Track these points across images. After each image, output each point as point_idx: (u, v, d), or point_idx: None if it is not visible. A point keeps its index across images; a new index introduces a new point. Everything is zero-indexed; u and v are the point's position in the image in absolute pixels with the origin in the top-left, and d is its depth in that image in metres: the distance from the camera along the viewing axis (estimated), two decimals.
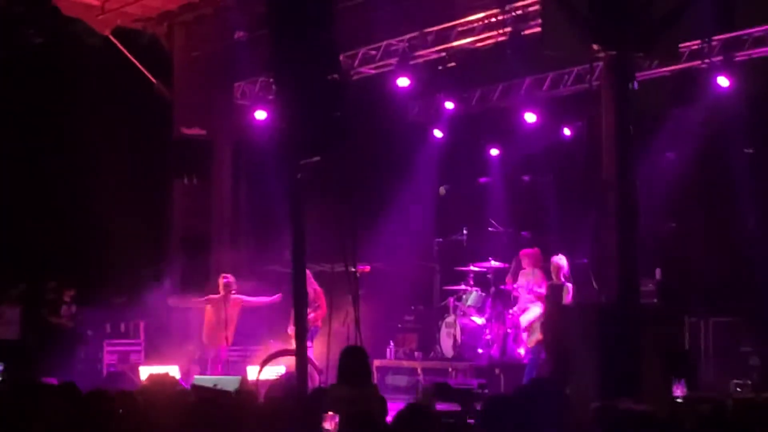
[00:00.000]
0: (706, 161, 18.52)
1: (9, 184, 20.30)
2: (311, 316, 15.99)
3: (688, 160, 18.71)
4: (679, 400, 12.46)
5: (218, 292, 18.10)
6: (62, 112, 21.31)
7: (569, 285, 17.36)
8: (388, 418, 7.74)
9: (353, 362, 9.48)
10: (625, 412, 6.29)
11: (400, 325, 21.27)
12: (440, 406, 13.41)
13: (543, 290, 18.05)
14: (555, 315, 16.19)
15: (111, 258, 21.40)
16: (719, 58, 17.77)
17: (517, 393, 6.21)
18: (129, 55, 20.38)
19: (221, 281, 18.16)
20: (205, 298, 18.29)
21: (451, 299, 20.31)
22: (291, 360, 13.84)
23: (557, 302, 17.02)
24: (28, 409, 6.42)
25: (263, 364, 16.94)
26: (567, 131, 20.91)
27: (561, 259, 17.68)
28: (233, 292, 18.04)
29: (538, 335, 17.42)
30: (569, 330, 14.12)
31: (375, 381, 18.80)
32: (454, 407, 13.28)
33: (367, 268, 18.59)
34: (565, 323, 14.50)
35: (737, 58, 17.78)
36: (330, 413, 7.80)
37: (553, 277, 17.63)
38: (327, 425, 7.65)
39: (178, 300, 19.84)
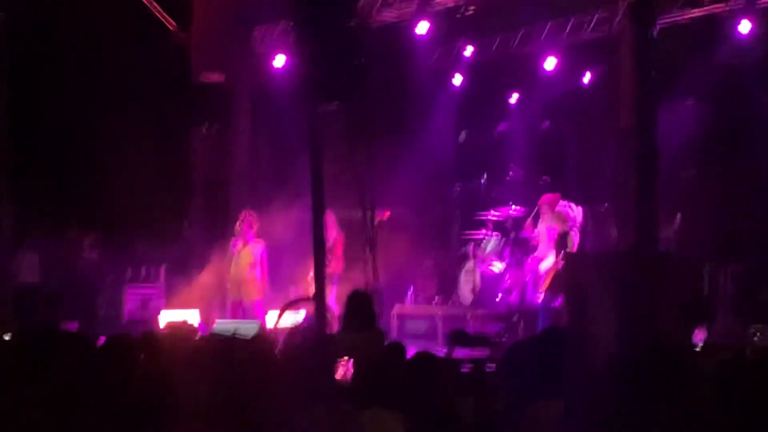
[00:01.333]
0: (727, 108, 18.42)
1: (30, 130, 20.29)
2: (329, 264, 15.92)
3: (708, 107, 18.63)
4: (698, 347, 12.45)
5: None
6: (79, 58, 21.27)
7: (574, 232, 17.28)
8: None
9: (357, 308, 9.48)
10: (643, 359, 6.27)
11: (419, 271, 21.28)
12: (458, 352, 13.43)
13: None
14: (566, 263, 16.18)
15: (132, 203, 21.43)
16: (741, 2, 17.61)
17: (532, 341, 6.19)
18: (146, 1, 20.31)
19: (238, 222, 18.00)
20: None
21: (471, 246, 20.29)
22: (311, 306, 13.87)
23: (563, 250, 16.99)
24: (45, 355, 6.43)
25: (282, 310, 16.98)
26: (587, 77, 20.81)
27: (569, 207, 17.59)
28: (248, 235, 17.82)
29: (547, 282, 17.41)
30: (588, 277, 14.11)
31: (394, 327, 18.91)
32: (472, 354, 13.29)
33: (387, 214, 18.58)
34: (584, 270, 14.48)
35: (760, 3, 17.62)
36: (344, 360, 7.80)
37: (559, 224, 17.52)
38: (340, 372, 7.65)
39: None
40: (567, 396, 5.38)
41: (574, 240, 17.16)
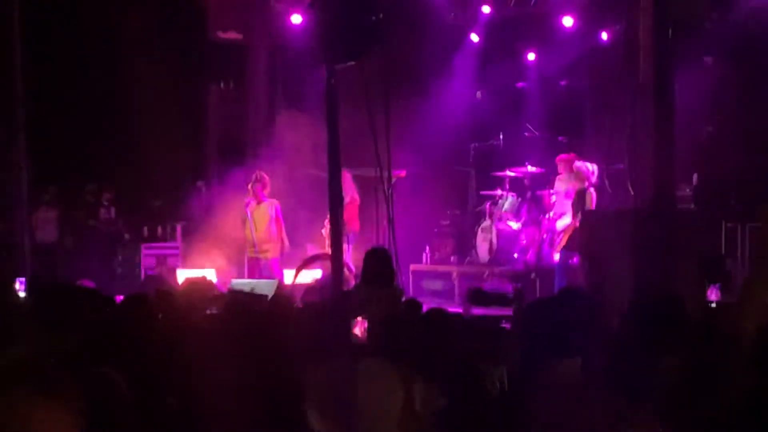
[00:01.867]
0: (745, 66, 18.35)
1: (46, 89, 20.32)
2: (345, 222, 15.95)
3: (726, 65, 18.56)
4: (713, 305, 12.47)
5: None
6: (95, 17, 21.28)
7: (592, 190, 17.29)
8: None
9: (375, 263, 9.52)
10: (657, 314, 6.29)
11: (435, 230, 21.31)
12: (476, 311, 13.48)
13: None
14: (584, 221, 16.20)
15: (148, 161, 21.48)
16: None
17: (549, 300, 6.21)
18: None
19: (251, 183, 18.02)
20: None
21: (487, 204, 20.31)
22: (328, 264, 13.94)
23: (582, 208, 16.99)
24: (63, 312, 6.49)
25: (299, 268, 17.03)
26: (604, 35, 20.75)
27: (585, 165, 17.58)
28: (261, 195, 17.84)
29: (564, 240, 17.42)
30: (604, 235, 14.13)
31: (410, 285, 18.96)
32: (488, 312, 13.34)
33: (403, 173, 18.60)
34: (601, 228, 14.50)
35: None
36: (359, 318, 7.84)
37: (577, 182, 17.52)
38: (356, 330, 7.69)
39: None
40: (584, 353, 5.41)
41: (593, 197, 17.17)
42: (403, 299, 9.85)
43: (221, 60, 21.21)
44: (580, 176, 17.38)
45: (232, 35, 20.89)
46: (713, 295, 13.29)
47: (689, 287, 13.24)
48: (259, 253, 17.82)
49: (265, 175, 18.08)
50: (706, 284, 13.50)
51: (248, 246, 17.98)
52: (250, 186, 17.93)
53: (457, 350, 6.01)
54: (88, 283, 12.02)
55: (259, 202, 17.80)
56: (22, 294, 11.98)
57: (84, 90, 21.87)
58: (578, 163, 17.60)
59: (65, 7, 20.99)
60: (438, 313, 6.39)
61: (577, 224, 16.85)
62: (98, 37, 21.31)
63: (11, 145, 18.62)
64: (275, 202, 17.94)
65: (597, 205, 17.44)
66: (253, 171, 18.76)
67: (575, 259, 16.80)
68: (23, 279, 14.16)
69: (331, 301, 9.06)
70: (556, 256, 18.20)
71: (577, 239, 16.65)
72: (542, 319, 5.77)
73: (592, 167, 17.53)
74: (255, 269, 17.86)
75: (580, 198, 17.18)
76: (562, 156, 18.79)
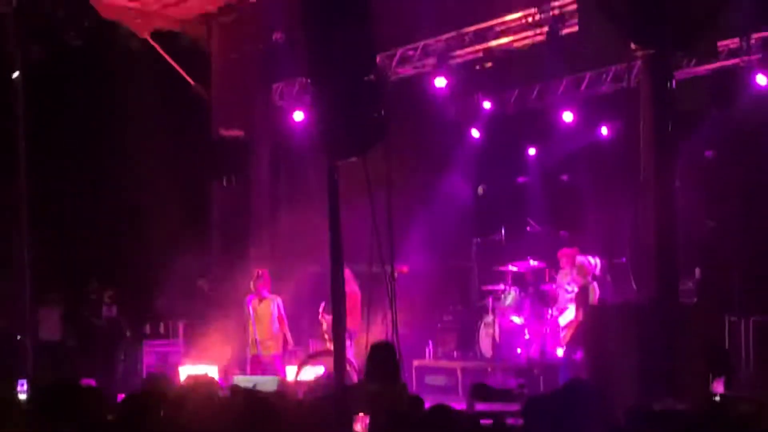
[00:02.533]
0: (745, 160, 18.45)
1: (50, 186, 20.40)
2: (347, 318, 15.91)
3: (726, 159, 18.66)
4: (718, 398, 12.41)
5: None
6: (102, 114, 21.44)
7: (595, 284, 17.31)
8: None
9: (381, 359, 9.48)
10: (662, 411, 6.27)
11: (439, 325, 21.27)
12: (479, 407, 13.40)
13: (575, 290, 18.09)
14: (588, 315, 16.21)
15: (150, 259, 21.51)
16: (757, 56, 17.69)
17: (555, 394, 6.19)
18: (168, 57, 20.48)
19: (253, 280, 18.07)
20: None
21: (490, 299, 20.29)
22: (330, 360, 13.88)
23: (586, 303, 17.00)
24: (64, 411, 6.46)
25: (302, 364, 16.99)
26: (605, 130, 20.87)
27: (587, 259, 17.63)
28: (263, 291, 17.87)
29: (568, 335, 17.40)
30: (608, 330, 14.09)
31: (413, 381, 18.87)
32: (493, 407, 13.27)
33: (405, 268, 18.60)
34: (604, 323, 14.47)
35: None
36: (360, 415, 7.79)
37: (580, 277, 17.56)
38: (357, 427, 7.64)
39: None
40: None
41: (596, 292, 17.17)
42: (407, 395, 9.79)
43: (225, 156, 21.29)
44: (583, 271, 17.40)
45: (236, 132, 21.00)
46: (719, 387, 13.22)
47: (694, 380, 13.19)
48: (261, 350, 17.77)
49: (266, 272, 18.11)
50: (711, 377, 13.43)
51: (250, 343, 17.94)
52: (251, 283, 17.95)
53: None
54: (90, 382, 11.98)
55: (261, 299, 17.82)
56: (22, 395, 11.95)
57: (89, 190, 21.96)
58: (580, 258, 17.64)
59: (71, 104, 21.14)
60: (442, 410, 6.35)
61: (580, 319, 16.84)
62: (105, 133, 21.45)
63: (16, 245, 18.68)
64: (277, 298, 17.95)
65: (600, 299, 17.45)
66: (256, 268, 18.77)
67: (579, 354, 16.75)
68: (23, 380, 14.12)
69: (333, 398, 9.04)
70: (560, 351, 18.14)
71: (582, 334, 16.63)
72: (547, 413, 5.75)
73: (594, 261, 17.57)
74: (257, 366, 17.79)
75: (583, 293, 17.18)
76: (564, 250, 18.82)
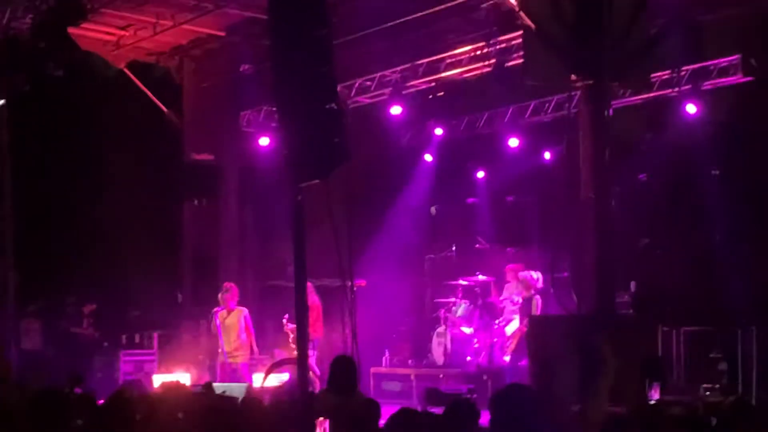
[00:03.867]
0: (677, 182, 18.55)
1: (31, 207, 20.29)
2: (310, 327, 15.89)
3: (659, 181, 18.76)
4: (653, 402, 12.46)
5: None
6: (81, 140, 21.36)
7: (537, 297, 17.36)
8: (382, 422, 7.74)
9: (340, 372, 9.46)
10: (604, 414, 6.28)
11: (394, 335, 21.27)
12: (432, 410, 13.37)
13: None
14: (531, 325, 16.27)
15: (126, 274, 21.41)
16: (688, 86, 17.82)
17: (495, 397, 6.21)
18: (142, 87, 20.43)
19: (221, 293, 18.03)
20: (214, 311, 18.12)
21: (442, 311, 20.32)
22: (294, 368, 13.83)
23: (529, 314, 17.06)
24: (49, 417, 6.42)
25: (268, 371, 16.91)
26: (548, 155, 20.93)
27: (529, 274, 17.69)
28: (231, 303, 17.83)
29: (513, 344, 17.44)
30: (551, 339, 14.12)
31: (371, 387, 18.84)
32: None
33: (363, 282, 18.61)
34: (547, 333, 14.50)
35: (704, 87, 17.84)
36: (320, 419, 7.77)
37: (524, 290, 17.63)
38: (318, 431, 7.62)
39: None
40: None
41: (538, 304, 17.22)
42: (363, 402, 9.76)
43: (195, 179, 21.24)
44: (526, 284, 17.46)
45: (206, 156, 20.96)
46: (654, 393, 13.27)
47: (630, 387, 13.23)
48: (229, 358, 17.71)
49: (233, 286, 18.07)
50: (648, 384, 13.47)
51: (220, 352, 17.87)
52: (220, 295, 17.90)
53: None
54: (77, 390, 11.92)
55: (229, 311, 17.76)
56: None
57: (66, 209, 21.84)
58: (523, 273, 17.70)
59: (51, 129, 21.06)
60: (406, 413, 6.32)
61: (524, 329, 16.88)
62: (82, 157, 21.35)
63: (0, 262, 18.56)
64: (244, 310, 17.91)
65: (543, 310, 17.50)
66: (224, 282, 18.72)
67: (524, 361, 16.77)
68: None
69: (297, 403, 9.01)
70: (507, 359, 18.17)
71: (525, 342, 16.67)
72: (492, 412, 5.77)
73: (536, 275, 17.63)
74: (226, 374, 17.73)
75: (526, 304, 17.24)
76: (511, 266, 18.89)
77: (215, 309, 17.90)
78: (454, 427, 6.27)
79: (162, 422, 6.73)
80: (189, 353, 19.04)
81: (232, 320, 17.72)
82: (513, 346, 17.35)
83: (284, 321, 17.66)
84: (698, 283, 17.48)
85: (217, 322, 17.74)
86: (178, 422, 6.53)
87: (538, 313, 16.98)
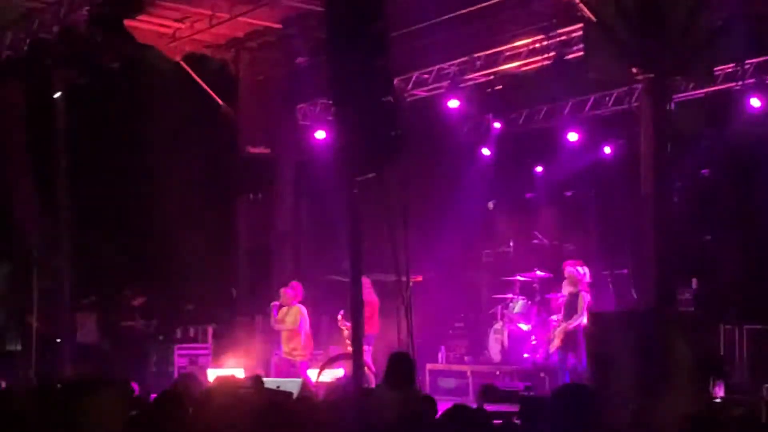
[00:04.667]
0: (739, 178, 18.39)
1: (87, 201, 20.46)
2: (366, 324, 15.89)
3: (721, 176, 18.61)
4: (717, 401, 12.37)
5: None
6: (136, 133, 21.49)
7: (584, 294, 17.15)
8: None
9: (398, 367, 9.46)
10: (662, 413, 6.24)
11: (451, 331, 21.24)
12: (489, 407, 13.35)
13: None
14: (589, 322, 16.18)
15: (181, 268, 21.53)
16: (752, 80, 17.65)
17: (552, 396, 6.16)
18: (198, 79, 20.51)
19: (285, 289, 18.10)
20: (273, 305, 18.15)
21: (499, 307, 20.28)
22: (349, 363, 13.86)
23: (574, 310, 16.87)
24: (96, 406, 6.47)
25: (323, 367, 16.98)
26: (608, 149, 20.82)
27: (576, 269, 17.47)
28: (292, 301, 17.89)
29: (557, 342, 17.24)
30: (610, 336, 14.05)
31: (426, 383, 18.82)
32: (502, 408, 13.23)
33: (420, 278, 18.61)
34: (606, 330, 14.43)
35: None
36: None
37: (570, 286, 17.39)
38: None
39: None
40: None
41: (584, 300, 17.04)
42: (420, 397, 9.76)
43: (250, 173, 21.31)
44: (573, 280, 17.27)
45: (261, 150, 21.01)
46: (719, 391, 13.18)
47: (691, 387, 13.14)
48: (287, 356, 17.77)
49: (299, 284, 18.12)
50: (711, 381, 13.39)
51: (283, 346, 17.94)
52: (282, 291, 17.94)
53: None
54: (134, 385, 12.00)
55: (289, 308, 17.78)
56: None
57: (122, 203, 22.00)
58: (570, 268, 17.48)
59: (109, 123, 21.22)
60: (461, 409, 6.28)
61: (569, 327, 16.72)
62: (140, 151, 21.49)
63: (56, 255, 18.74)
64: (303, 308, 17.89)
65: (599, 307, 17.44)
66: (279, 277, 18.79)
67: (571, 360, 16.70)
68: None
69: (352, 399, 9.02)
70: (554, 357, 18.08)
71: (570, 340, 16.62)
72: (546, 414, 5.74)
73: (583, 270, 17.46)
74: (284, 369, 17.79)
75: (572, 300, 17.06)
76: (569, 262, 18.78)
77: (273, 303, 17.94)
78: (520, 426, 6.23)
79: (215, 416, 6.76)
80: (243, 348, 19.11)
81: (291, 317, 17.76)
82: (558, 343, 17.18)
83: (339, 317, 17.68)
84: (761, 281, 17.34)
85: (276, 317, 17.80)
86: (231, 416, 6.56)
87: (585, 309, 16.83)
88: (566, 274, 17.54)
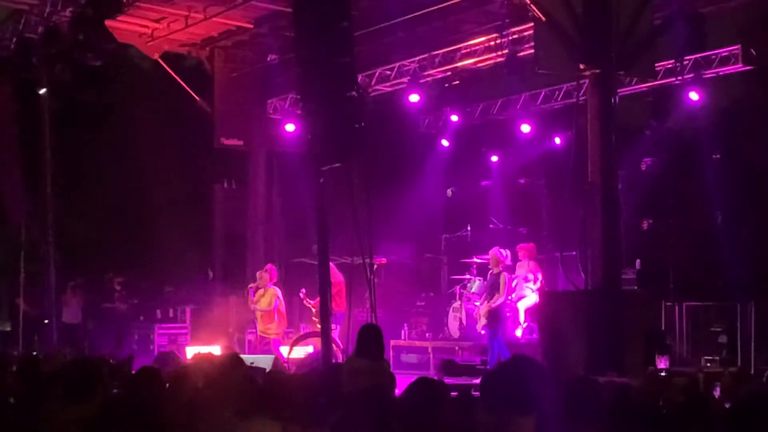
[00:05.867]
0: (679, 166, 18.50)
1: (71, 190, 20.38)
2: (333, 302, 15.86)
3: (663, 165, 18.70)
4: (662, 373, 12.45)
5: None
6: (117, 126, 21.42)
7: (505, 274, 17.03)
8: (398, 392, 7.75)
9: (369, 338, 9.45)
10: (607, 383, 6.28)
11: (413, 310, 21.25)
12: (448, 380, 13.39)
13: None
14: (541, 300, 16.23)
15: (161, 253, 21.51)
16: (690, 75, 17.74)
17: (499, 367, 6.20)
18: (175, 76, 20.46)
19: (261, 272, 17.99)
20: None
21: (457, 287, 20.31)
22: (318, 340, 13.86)
23: (497, 288, 16.73)
24: (85, 384, 6.47)
25: (293, 344, 16.98)
26: (557, 140, 20.87)
27: (498, 250, 17.36)
28: (268, 283, 17.77)
29: (483, 320, 17.07)
30: (561, 313, 14.14)
31: (390, 358, 18.84)
32: (461, 381, 13.28)
33: (384, 260, 18.63)
34: (557, 307, 14.52)
35: (706, 75, 17.78)
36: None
37: (493, 266, 17.26)
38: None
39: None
40: (540, 412, 5.39)
41: (506, 279, 16.91)
42: (388, 371, 9.73)
43: (225, 163, 21.31)
44: (495, 260, 17.11)
45: (235, 141, 20.99)
46: (662, 363, 13.26)
47: (635, 359, 13.24)
48: (262, 334, 17.72)
49: (273, 267, 18.04)
50: (653, 355, 13.48)
51: (258, 324, 17.87)
52: (258, 274, 17.85)
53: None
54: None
55: (265, 290, 17.70)
56: None
57: (104, 192, 21.94)
58: (493, 250, 17.38)
59: (88, 117, 21.13)
60: (426, 382, 6.28)
61: (492, 306, 16.64)
62: (119, 142, 21.43)
63: (42, 242, 18.66)
64: (277, 290, 17.78)
65: (551, 286, 17.53)
66: (253, 260, 18.76)
67: (498, 335, 16.64)
68: None
69: (322, 371, 9.03)
70: (518, 332, 18.14)
71: (538, 316, 16.63)
72: (498, 381, 5.76)
73: (505, 252, 17.42)
74: (259, 346, 17.77)
75: (494, 280, 16.94)
76: (522, 245, 18.83)
77: (250, 286, 17.86)
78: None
79: (191, 390, 6.76)
80: (219, 327, 19.09)
81: (267, 299, 17.67)
82: (484, 321, 16.93)
83: (301, 295, 17.66)
84: (699, 261, 17.46)
85: (252, 299, 17.73)
86: (207, 391, 6.57)
87: (506, 289, 16.76)
88: (489, 255, 17.42)
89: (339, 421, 6.00)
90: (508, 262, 17.50)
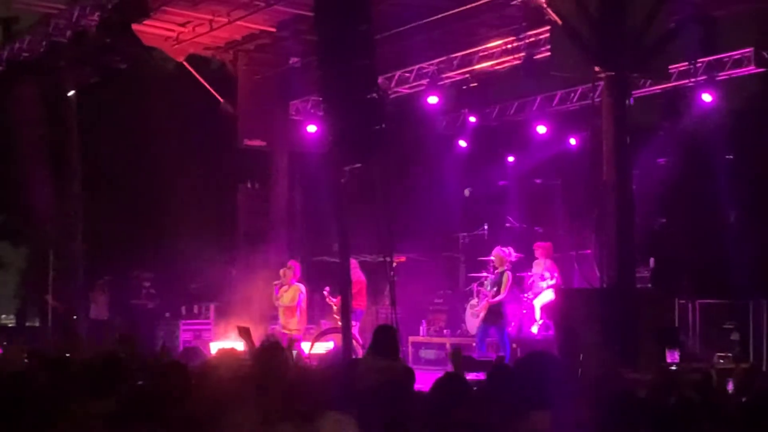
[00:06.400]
0: (693, 166, 18.45)
1: (99, 191, 20.45)
2: (354, 300, 15.82)
3: (677, 165, 18.65)
4: (673, 368, 12.40)
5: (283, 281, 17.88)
6: (143, 127, 21.47)
7: (509, 273, 16.93)
8: (420, 386, 7.75)
9: (384, 337, 9.44)
10: (624, 379, 6.25)
11: (431, 307, 21.23)
12: (466, 376, 13.34)
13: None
14: (557, 298, 16.14)
15: (186, 251, 21.54)
16: (703, 77, 17.69)
17: (517, 363, 6.19)
18: (200, 78, 20.50)
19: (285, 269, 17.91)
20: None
21: (475, 285, 20.26)
22: (338, 336, 13.87)
23: (500, 286, 16.65)
24: (111, 377, 6.49)
25: (314, 340, 16.98)
26: (573, 141, 20.84)
27: (502, 249, 17.28)
28: (291, 280, 17.71)
29: (480, 317, 16.98)
30: (576, 311, 14.08)
31: (409, 354, 18.85)
32: (477, 377, 13.24)
33: (403, 258, 18.61)
34: (572, 304, 14.46)
35: (719, 78, 17.72)
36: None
37: (498, 265, 17.16)
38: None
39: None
40: (555, 407, 5.37)
41: (509, 278, 16.84)
42: (402, 368, 9.72)
43: (248, 163, 21.35)
44: (500, 259, 16.99)
45: (258, 142, 21.01)
46: (673, 357, 13.19)
47: (649, 355, 13.19)
48: (284, 330, 17.69)
49: (296, 264, 17.97)
50: (665, 351, 13.41)
51: (281, 320, 17.84)
52: (282, 271, 17.78)
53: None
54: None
55: (289, 286, 17.65)
56: None
57: (131, 193, 21.99)
58: (497, 249, 17.28)
59: (115, 118, 21.20)
60: (453, 377, 6.28)
61: (492, 302, 16.56)
62: (144, 146, 21.48)
63: (71, 240, 18.74)
64: (302, 287, 17.69)
65: (567, 284, 17.48)
66: (275, 258, 18.74)
67: (493, 333, 16.56)
68: None
69: (341, 367, 9.03)
70: (534, 329, 18.11)
71: (554, 313, 16.57)
72: (511, 379, 5.75)
73: (508, 251, 17.36)
74: (283, 339, 17.73)
75: (498, 278, 16.86)
76: (539, 243, 18.79)
77: (275, 283, 17.80)
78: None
79: (216, 384, 6.76)
80: (243, 323, 19.08)
81: (290, 294, 17.63)
82: (481, 317, 16.85)
83: (325, 293, 17.65)
84: (712, 259, 17.39)
85: (277, 296, 17.69)
86: (231, 386, 6.56)
87: (508, 287, 16.68)
88: (493, 254, 17.30)
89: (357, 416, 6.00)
90: (513, 258, 17.44)
